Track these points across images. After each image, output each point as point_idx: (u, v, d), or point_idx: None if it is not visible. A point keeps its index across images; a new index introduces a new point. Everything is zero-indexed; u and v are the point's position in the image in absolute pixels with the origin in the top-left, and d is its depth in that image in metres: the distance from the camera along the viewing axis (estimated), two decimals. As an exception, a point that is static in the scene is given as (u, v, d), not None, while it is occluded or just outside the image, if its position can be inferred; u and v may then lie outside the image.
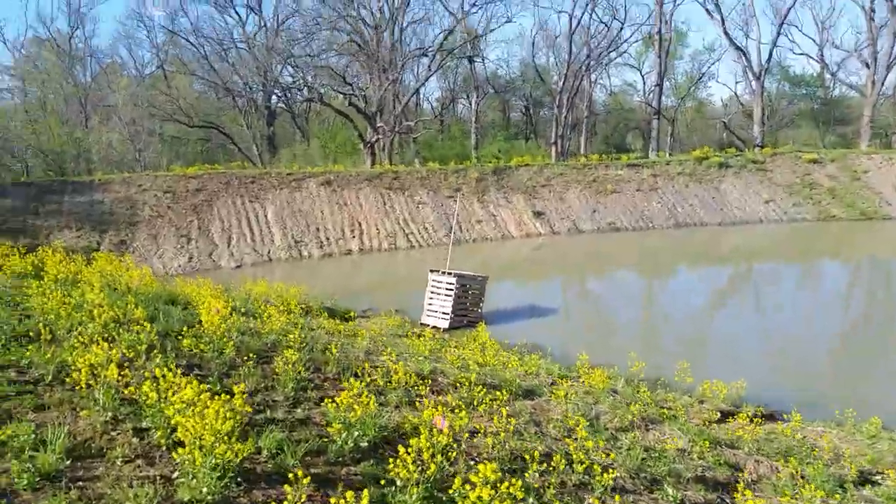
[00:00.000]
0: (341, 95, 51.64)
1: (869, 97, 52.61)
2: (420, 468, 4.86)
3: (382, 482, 5.00)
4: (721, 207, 37.49)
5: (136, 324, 8.08)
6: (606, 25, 54.75)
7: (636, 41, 63.56)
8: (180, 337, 8.24)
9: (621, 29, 57.75)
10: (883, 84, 53.50)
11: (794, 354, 14.95)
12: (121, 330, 7.40)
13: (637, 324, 19.06)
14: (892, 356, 15.04)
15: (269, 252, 29.94)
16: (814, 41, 51.81)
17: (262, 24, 58.45)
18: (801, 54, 60.19)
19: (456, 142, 59.18)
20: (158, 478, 4.52)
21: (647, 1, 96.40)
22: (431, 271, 19.15)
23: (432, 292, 18.78)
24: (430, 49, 54.61)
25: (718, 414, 10.92)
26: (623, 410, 8.76)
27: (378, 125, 47.19)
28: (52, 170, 43.18)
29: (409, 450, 4.83)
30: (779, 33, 56.45)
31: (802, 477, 7.24)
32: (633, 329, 18.53)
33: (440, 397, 8.14)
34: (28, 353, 6.36)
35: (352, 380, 6.54)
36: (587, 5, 53.04)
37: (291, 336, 8.81)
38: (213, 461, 4.37)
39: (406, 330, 16.28)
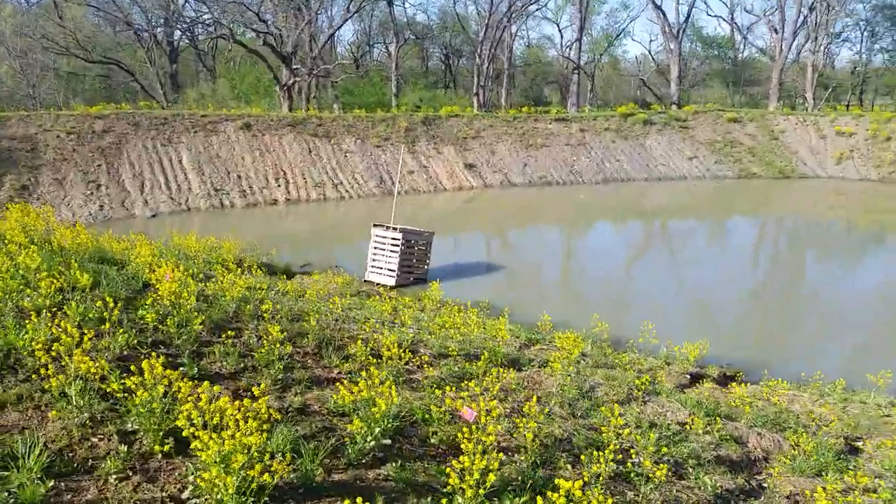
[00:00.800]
0: (253, 34, 48.58)
1: (777, 61, 54.38)
2: (461, 472, 4.17)
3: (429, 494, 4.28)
4: (647, 163, 37.99)
5: (80, 292, 6.91)
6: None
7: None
8: (133, 307, 7.13)
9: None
10: (789, 49, 55.42)
11: (733, 313, 15.21)
12: (71, 301, 6.22)
13: (584, 281, 18.92)
14: (824, 313, 15.49)
15: (186, 201, 27.98)
16: (725, 4, 53.05)
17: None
18: (715, 16, 61.45)
19: (376, 88, 57.36)
20: (167, 501, 3.63)
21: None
22: (375, 226, 18.22)
23: (376, 248, 17.91)
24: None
25: (688, 377, 10.81)
26: (620, 381, 8.35)
27: (295, 67, 44.82)
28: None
29: (462, 458, 4.12)
30: (695, -8, 57.32)
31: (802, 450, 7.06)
32: (582, 286, 18.39)
33: (431, 371, 7.45)
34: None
35: (372, 369, 5.68)
36: None
37: (265, 306, 7.83)
38: (239, 482, 3.52)
39: (355, 288, 15.43)
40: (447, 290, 15.87)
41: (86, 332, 4.98)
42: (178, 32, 53.88)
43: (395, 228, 17.79)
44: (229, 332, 6.61)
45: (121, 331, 5.84)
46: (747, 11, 63.99)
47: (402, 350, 7.14)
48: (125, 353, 5.72)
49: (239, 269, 15.84)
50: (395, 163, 33.71)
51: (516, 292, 17.31)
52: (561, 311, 14.52)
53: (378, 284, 17.20)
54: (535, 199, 32.49)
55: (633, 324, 12.46)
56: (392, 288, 17.01)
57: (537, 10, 65.92)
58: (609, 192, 34.29)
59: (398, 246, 17.51)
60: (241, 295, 8.56)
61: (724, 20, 66.40)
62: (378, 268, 17.76)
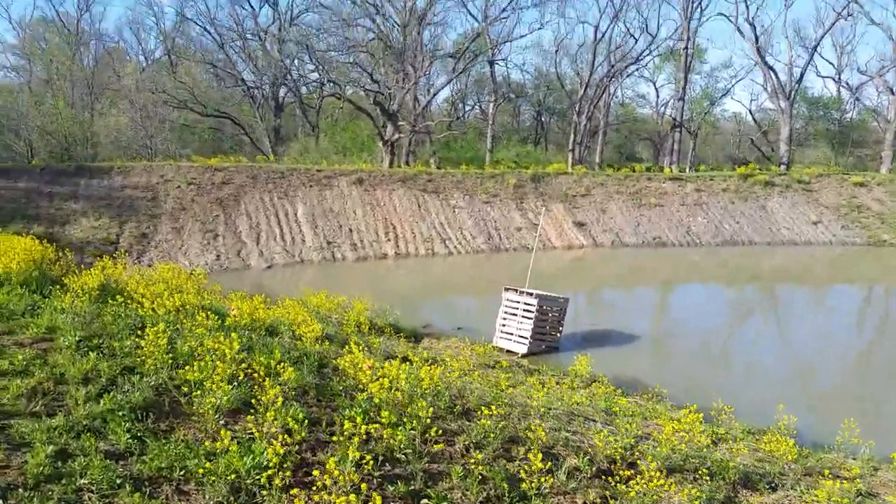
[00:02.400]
0: (362, 92, 49.51)
1: (892, 122, 51.07)
2: None
3: None
4: (769, 227, 35.73)
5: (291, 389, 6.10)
6: (635, 38, 53.15)
7: (658, 54, 61.49)
8: (335, 406, 6.26)
9: (652, 42, 56.12)
10: None
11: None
12: (292, 406, 5.39)
13: (728, 352, 17.19)
14: None
15: (300, 253, 27.86)
16: (832, 64, 50.62)
17: (277, 16, 56.30)
18: (825, 77, 58.68)
19: (470, 144, 57.31)
20: None
21: (671, 15, 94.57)
22: (507, 289, 17.18)
23: (507, 313, 16.84)
24: (458, 51, 52.65)
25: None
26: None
27: (400, 123, 45.19)
28: (58, 153, 40.89)
29: None
30: (812, 55, 55.16)
31: None
32: (729, 358, 16.66)
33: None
34: (175, 450, 4.35)
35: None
36: (613, 19, 51.48)
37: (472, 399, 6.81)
38: None
39: (492, 358, 14.36)
40: (572, 361, 14.65)
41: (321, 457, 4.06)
42: (283, 89, 55.64)
43: (529, 293, 16.72)
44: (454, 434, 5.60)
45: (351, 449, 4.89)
46: (861, 72, 60.48)
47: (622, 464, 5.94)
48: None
49: (374, 333, 15.08)
50: (502, 218, 32.90)
51: (660, 366, 15.81)
52: (716, 391, 13.03)
53: (507, 351, 16.15)
54: (650, 260, 30.83)
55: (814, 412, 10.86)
56: (523, 356, 15.92)
57: (637, 69, 64.89)
58: (731, 255, 32.23)
59: (532, 312, 16.39)
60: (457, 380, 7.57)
61: (835, 81, 63.33)
62: (508, 333, 16.68)
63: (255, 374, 6.20)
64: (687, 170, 53.89)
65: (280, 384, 6.22)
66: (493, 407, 7.26)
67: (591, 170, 41.87)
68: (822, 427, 10.93)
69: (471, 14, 54.52)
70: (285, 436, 5.07)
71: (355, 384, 7.37)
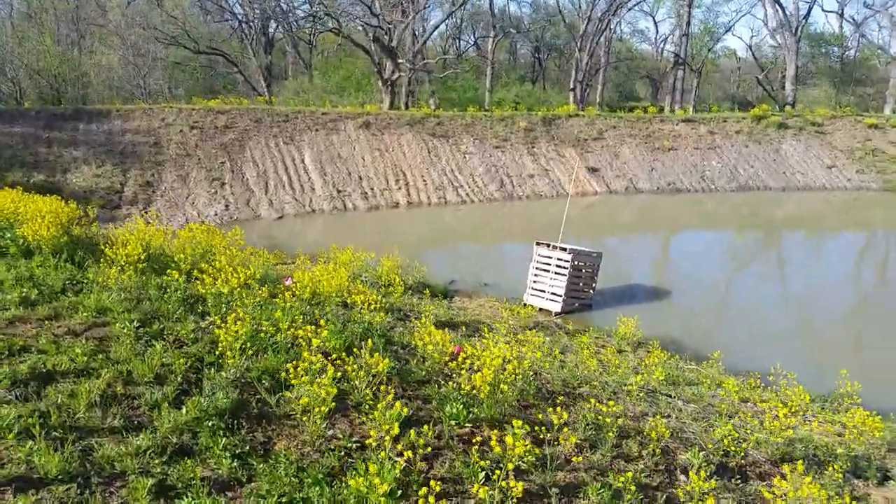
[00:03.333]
0: (360, 27, 47.62)
1: None
2: None
3: None
4: (783, 171, 35.05)
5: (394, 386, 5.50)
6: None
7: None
8: (424, 397, 5.67)
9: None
10: None
11: None
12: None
13: (768, 309, 16.70)
14: None
15: (310, 202, 27.00)
16: None
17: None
18: (830, 11, 56.76)
19: (468, 83, 55.62)
20: None
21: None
22: (538, 244, 16.51)
23: (539, 269, 16.22)
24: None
25: None
26: None
27: (399, 62, 43.61)
28: (48, 95, 39.30)
29: None
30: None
31: None
32: (769, 315, 16.16)
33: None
34: (287, 474, 3.75)
35: None
36: None
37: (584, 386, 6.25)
38: None
39: (531, 319, 13.84)
40: (610, 320, 14.19)
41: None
42: (273, 24, 53.46)
43: (562, 248, 16.06)
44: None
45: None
46: (867, 6, 58.56)
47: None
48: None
49: (408, 293, 14.51)
50: (514, 164, 32.02)
51: (697, 324, 15.34)
52: (763, 349, 12.67)
53: (540, 309, 15.63)
54: (666, 207, 30.23)
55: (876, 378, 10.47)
56: (557, 314, 15.42)
57: (638, 3, 62.70)
58: (749, 200, 31.63)
59: (565, 268, 15.78)
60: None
61: (841, 16, 61.34)
62: (540, 290, 16.09)
63: (346, 365, 5.59)
64: (691, 110, 52.76)
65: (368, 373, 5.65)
66: (587, 390, 6.74)
67: (603, 111, 40.72)
68: (885, 394, 10.51)
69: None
70: (404, 448, 4.51)
71: (437, 367, 6.82)
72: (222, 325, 5.98)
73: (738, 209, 30.46)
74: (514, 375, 6.24)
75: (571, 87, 51.96)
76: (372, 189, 28.58)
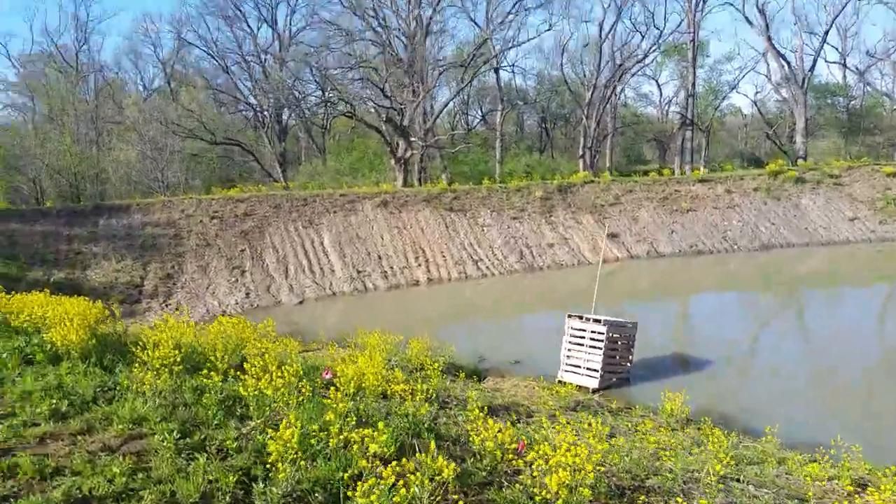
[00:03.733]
0: (372, 109, 48.60)
1: None
2: None
3: None
4: (805, 227, 34.64)
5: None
6: (641, 34, 52.23)
7: (662, 51, 60.28)
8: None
9: (660, 36, 55.22)
10: None
11: None
12: None
13: (814, 376, 15.96)
14: None
15: (330, 285, 26.78)
16: (836, 49, 49.52)
17: (277, 36, 55.64)
18: (832, 62, 57.44)
19: (478, 156, 56.26)
20: None
21: (675, 9, 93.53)
22: (570, 316, 16.03)
23: (572, 343, 15.68)
24: (466, 60, 51.70)
25: None
26: None
27: (412, 139, 44.25)
28: (67, 193, 40.00)
29: None
30: (824, 40, 54.25)
31: None
32: (821, 387, 15.43)
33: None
34: None
35: None
36: (619, 13, 50.56)
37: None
38: None
39: (572, 400, 13.21)
40: (650, 394, 13.57)
41: None
42: (286, 112, 54.74)
43: (596, 320, 15.58)
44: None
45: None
46: (870, 55, 59.20)
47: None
48: None
49: (442, 375, 14.02)
50: (532, 234, 31.83)
51: (745, 393, 14.61)
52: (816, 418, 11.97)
53: (578, 387, 14.99)
54: (689, 270, 29.74)
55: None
56: (595, 391, 14.79)
57: (643, 67, 63.76)
58: (774, 260, 31.10)
59: (601, 341, 15.25)
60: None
61: (840, 65, 61.98)
62: (575, 366, 15.51)
63: (407, 473, 5.11)
64: (702, 169, 52.93)
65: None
66: (657, 482, 6.17)
67: (614, 176, 40.78)
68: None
69: (473, 20, 53.48)
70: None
71: (499, 465, 6.30)
72: (268, 430, 5.55)
73: (763, 268, 29.92)
74: (590, 473, 5.69)
75: (581, 153, 52.47)
76: (392, 268, 28.37)
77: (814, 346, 18.62)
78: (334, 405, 6.13)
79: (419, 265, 28.84)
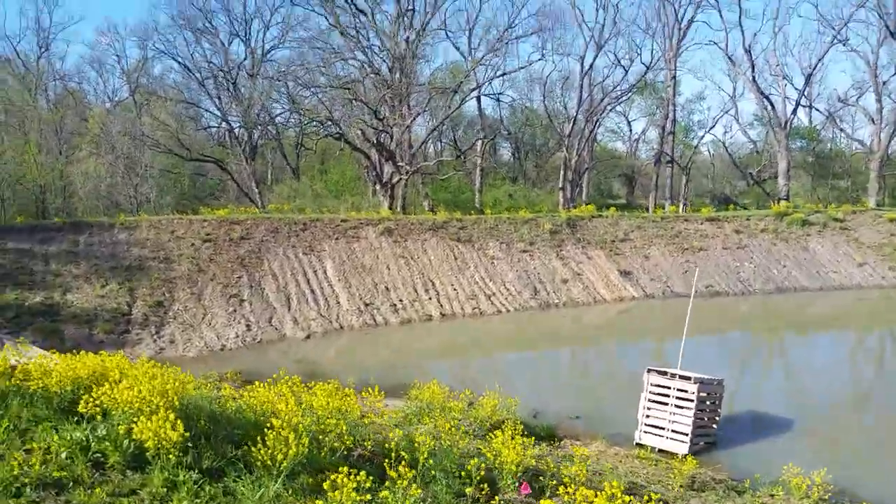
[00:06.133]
0: (359, 132, 46.47)
1: (876, 153, 50.08)
2: None
3: None
4: (816, 270, 33.79)
5: None
6: (625, 69, 51.53)
7: (637, 87, 59.49)
8: None
9: (646, 71, 54.85)
10: (890, 139, 50.77)
11: None
12: None
13: None
14: None
15: (337, 318, 24.40)
16: (799, 91, 50.14)
17: (251, 52, 53.22)
18: (807, 106, 57.87)
19: (461, 185, 54.71)
20: None
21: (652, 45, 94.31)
22: (649, 371, 14.16)
23: (654, 401, 13.82)
24: (456, 85, 50.20)
25: None
26: None
27: (400, 164, 42.39)
28: (31, 207, 36.67)
29: None
30: (806, 84, 54.62)
31: None
32: None
33: None
34: None
35: None
36: (600, 48, 49.83)
37: None
38: None
39: (690, 477, 11.32)
40: (745, 460, 11.95)
41: None
42: (257, 131, 52.12)
43: (684, 377, 13.76)
44: None
45: None
46: (843, 101, 59.74)
47: None
48: None
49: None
50: (544, 269, 30.08)
51: (851, 458, 12.93)
52: None
53: (659, 450, 13.14)
54: (711, 311, 28.40)
55: None
56: (684, 457, 12.92)
57: (622, 102, 63.03)
58: (793, 302, 30.12)
59: (690, 401, 13.42)
60: None
61: (815, 109, 62.42)
62: (658, 428, 13.58)
63: None
64: (680, 208, 52.32)
65: None
66: None
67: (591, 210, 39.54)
68: None
69: (456, 47, 52.37)
70: None
71: None
72: None
73: (794, 311, 28.93)
74: None
75: (560, 186, 51.38)
76: (401, 300, 26.19)
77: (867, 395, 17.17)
78: None
79: (429, 298, 26.73)
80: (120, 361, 7.43)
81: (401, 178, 42.23)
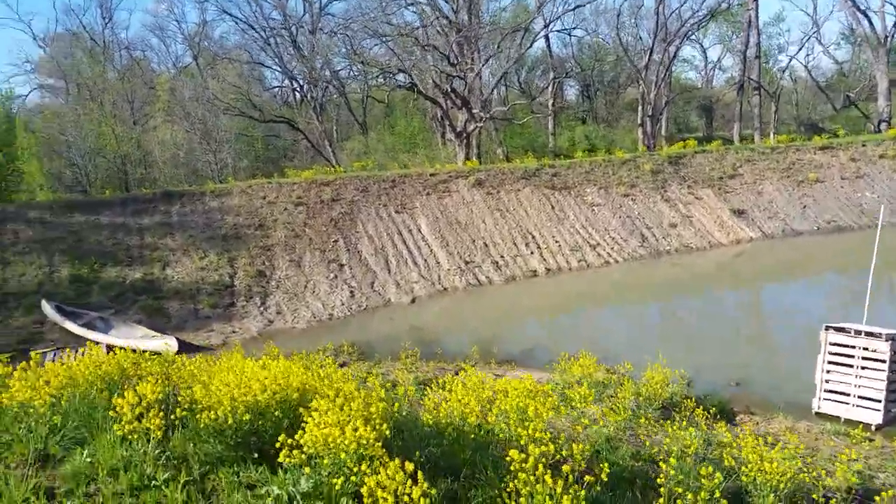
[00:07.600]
0: (431, 80, 44.43)
1: None
2: None
3: None
4: (949, 195, 30.70)
5: None
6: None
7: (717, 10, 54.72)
8: None
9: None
10: None
11: None
12: None
13: None
14: None
15: (439, 279, 23.19)
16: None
17: (310, 6, 51.21)
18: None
19: (528, 129, 52.13)
20: None
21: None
22: (828, 328, 12.31)
23: (835, 363, 12.03)
24: (523, 24, 47.45)
25: None
26: None
27: (474, 111, 40.42)
28: (115, 178, 36.57)
29: None
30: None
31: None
32: None
33: None
34: None
35: None
36: None
37: None
38: None
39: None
40: None
41: None
42: (321, 87, 50.54)
43: (870, 334, 11.87)
44: None
45: None
46: None
47: None
48: None
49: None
50: (649, 213, 28.06)
51: None
52: None
53: (845, 420, 11.41)
54: (843, 250, 25.97)
55: None
56: (878, 428, 11.21)
57: (699, 28, 58.69)
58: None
59: (883, 361, 11.58)
60: None
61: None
62: (840, 394, 11.81)
63: None
64: (771, 137, 48.78)
65: None
66: None
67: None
68: None
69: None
70: None
71: None
72: None
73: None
74: None
75: (640, 122, 48.53)
76: (502, 257, 24.75)
77: None
78: None
79: (531, 253, 25.20)
80: (317, 377, 6.04)
81: (476, 126, 40.37)
